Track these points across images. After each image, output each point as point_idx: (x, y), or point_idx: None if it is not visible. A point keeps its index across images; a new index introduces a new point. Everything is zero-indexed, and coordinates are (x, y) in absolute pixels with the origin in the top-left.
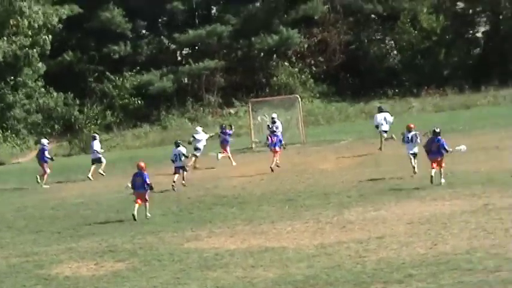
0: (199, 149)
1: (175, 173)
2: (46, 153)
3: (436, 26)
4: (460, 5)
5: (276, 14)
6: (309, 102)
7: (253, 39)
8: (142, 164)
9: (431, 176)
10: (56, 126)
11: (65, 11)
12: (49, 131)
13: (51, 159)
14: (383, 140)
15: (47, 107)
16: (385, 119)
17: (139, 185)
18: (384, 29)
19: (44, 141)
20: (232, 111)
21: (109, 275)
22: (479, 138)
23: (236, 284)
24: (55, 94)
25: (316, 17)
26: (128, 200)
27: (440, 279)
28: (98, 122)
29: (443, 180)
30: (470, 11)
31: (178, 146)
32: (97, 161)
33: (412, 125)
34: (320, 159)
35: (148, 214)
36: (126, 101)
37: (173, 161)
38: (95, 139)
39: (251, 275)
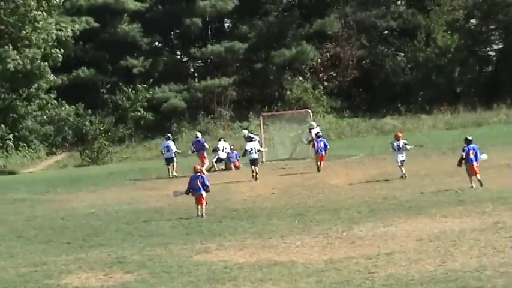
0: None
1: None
2: (206, 144)
3: (451, 43)
4: (474, 22)
5: (290, 28)
6: (321, 117)
7: (265, 54)
8: (198, 167)
9: (479, 181)
10: (68, 137)
11: (79, 26)
12: (60, 141)
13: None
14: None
15: (58, 117)
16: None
17: (198, 188)
18: (397, 45)
19: (198, 133)
20: (243, 124)
21: (118, 286)
22: (490, 156)
23: None
24: (66, 105)
25: (329, 32)
26: (138, 211)
27: None
28: (109, 133)
29: (474, 185)
30: (483, 28)
31: (168, 139)
32: (171, 160)
33: (400, 134)
34: (330, 174)
35: (204, 215)
36: (138, 113)
37: (162, 153)
38: (169, 139)
39: None
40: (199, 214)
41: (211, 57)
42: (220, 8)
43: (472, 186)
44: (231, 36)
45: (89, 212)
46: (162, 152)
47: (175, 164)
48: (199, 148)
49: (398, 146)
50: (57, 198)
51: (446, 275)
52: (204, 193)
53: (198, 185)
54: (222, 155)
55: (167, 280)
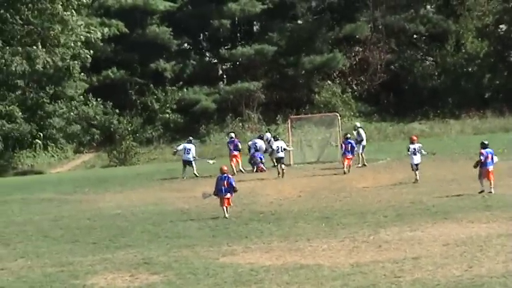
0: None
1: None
2: (239, 144)
3: (480, 49)
4: (503, 28)
5: (320, 32)
6: (349, 120)
7: (294, 58)
8: (225, 168)
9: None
10: (95, 136)
11: (108, 29)
12: (88, 140)
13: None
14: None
15: (86, 115)
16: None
17: (225, 189)
18: (426, 50)
19: (232, 134)
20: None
21: (144, 287)
22: None
23: None
24: (94, 103)
25: (358, 36)
26: (164, 212)
27: None
28: (137, 134)
29: (493, 191)
30: None
31: (190, 142)
32: (189, 164)
33: (415, 137)
34: (358, 178)
35: (228, 215)
36: (167, 115)
37: (175, 153)
38: (190, 142)
39: None
40: (226, 216)
41: (240, 59)
42: (249, 11)
43: (482, 191)
44: (260, 38)
45: (115, 213)
46: (176, 151)
47: (194, 165)
48: (234, 148)
49: (414, 149)
50: (84, 198)
51: (473, 281)
52: (229, 195)
53: (224, 186)
54: (281, 154)
55: (193, 282)
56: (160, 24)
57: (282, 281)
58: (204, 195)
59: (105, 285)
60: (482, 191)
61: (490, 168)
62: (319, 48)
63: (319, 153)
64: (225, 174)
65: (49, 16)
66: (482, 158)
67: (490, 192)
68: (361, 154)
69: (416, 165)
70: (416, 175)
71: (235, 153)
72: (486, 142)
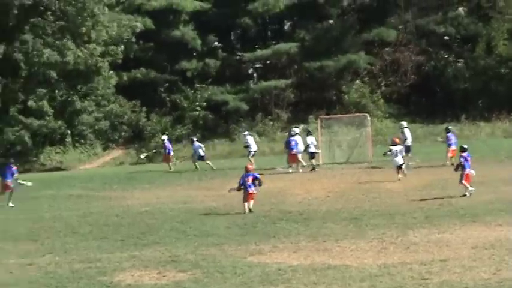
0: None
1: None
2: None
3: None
4: None
5: (349, 33)
6: (379, 121)
7: (322, 58)
8: (250, 166)
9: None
10: (123, 133)
11: (139, 24)
12: (116, 138)
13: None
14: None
15: (115, 113)
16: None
17: (249, 184)
18: (457, 52)
19: (294, 130)
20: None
21: (171, 285)
22: None
23: None
24: (123, 101)
25: (389, 39)
26: (193, 210)
27: None
28: (166, 132)
29: (468, 194)
30: None
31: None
32: (201, 159)
33: (397, 140)
34: (386, 179)
35: (247, 211)
36: (196, 113)
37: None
38: (193, 141)
39: None
40: (248, 210)
41: (269, 58)
42: (276, 9)
43: (465, 195)
44: (289, 38)
45: (143, 210)
46: (199, 149)
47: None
48: (294, 146)
49: (396, 151)
50: (113, 195)
51: (501, 284)
52: (253, 188)
53: (249, 181)
54: (312, 149)
55: (220, 280)
56: (188, 23)
57: (309, 281)
58: (231, 190)
59: (132, 282)
60: (464, 195)
61: (470, 171)
62: (348, 49)
63: (349, 153)
64: (250, 172)
65: (81, 11)
66: (462, 160)
67: (465, 195)
68: (407, 155)
69: (400, 166)
70: (399, 174)
71: (294, 151)
72: (466, 146)
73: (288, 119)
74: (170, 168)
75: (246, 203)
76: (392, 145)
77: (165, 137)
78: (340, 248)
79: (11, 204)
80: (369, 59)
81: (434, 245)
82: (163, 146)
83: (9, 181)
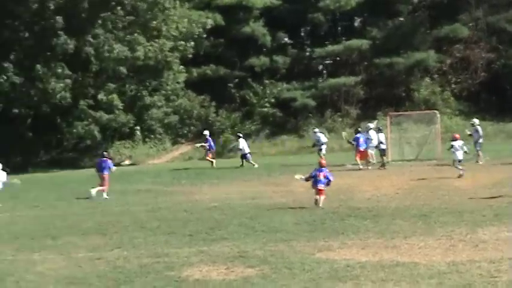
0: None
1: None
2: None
3: None
4: None
5: (419, 30)
6: (449, 118)
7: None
8: (324, 162)
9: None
10: (193, 128)
11: (209, 20)
12: (185, 132)
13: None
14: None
15: (184, 108)
16: None
17: (319, 180)
18: None
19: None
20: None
21: (239, 280)
22: None
23: None
24: (192, 95)
25: (460, 36)
26: (261, 206)
27: None
28: (235, 128)
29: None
30: None
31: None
32: (245, 157)
33: (457, 135)
34: (456, 177)
35: (321, 204)
36: (265, 109)
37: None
38: (240, 137)
39: None
40: (318, 204)
41: (340, 55)
42: (348, 7)
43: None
44: (359, 34)
45: (212, 205)
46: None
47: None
48: (363, 143)
49: (458, 146)
50: (181, 190)
51: None
52: (322, 186)
53: (320, 177)
54: (383, 146)
55: (288, 276)
56: (258, 20)
57: (378, 278)
58: (301, 179)
59: (200, 278)
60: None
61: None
62: (417, 46)
63: (418, 150)
64: (324, 168)
65: (152, 6)
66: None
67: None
68: (478, 151)
69: (459, 161)
70: (460, 170)
71: (362, 148)
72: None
73: (358, 116)
74: (212, 164)
75: (317, 196)
76: (453, 140)
77: (206, 132)
78: (408, 245)
79: (105, 195)
80: (438, 57)
81: (504, 243)
82: (206, 142)
83: (106, 174)
